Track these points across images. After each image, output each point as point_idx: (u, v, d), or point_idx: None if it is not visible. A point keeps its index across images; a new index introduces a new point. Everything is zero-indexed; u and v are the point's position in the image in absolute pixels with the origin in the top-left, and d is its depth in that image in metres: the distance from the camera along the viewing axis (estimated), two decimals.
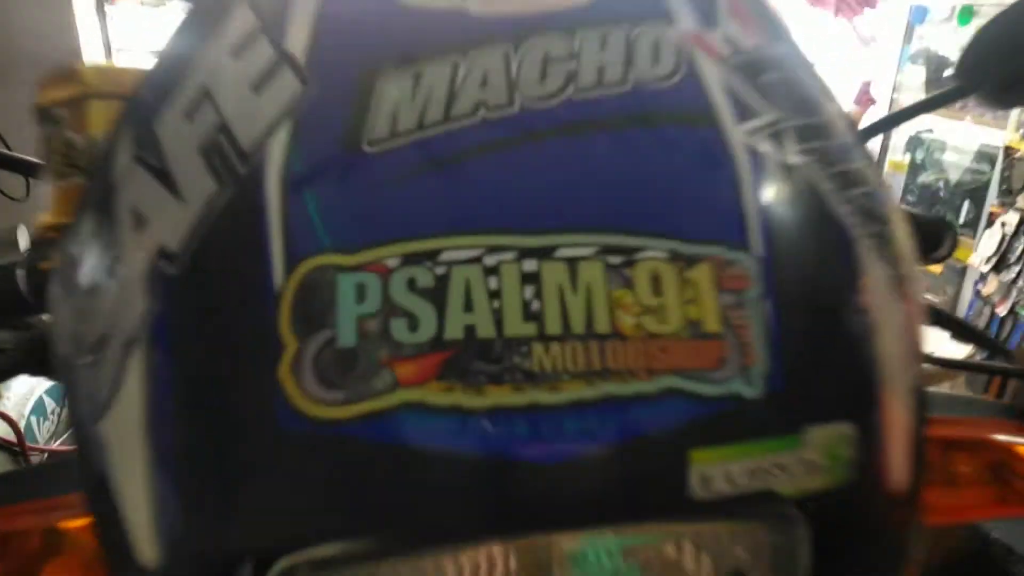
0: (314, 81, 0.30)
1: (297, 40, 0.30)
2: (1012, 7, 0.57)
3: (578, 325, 0.27)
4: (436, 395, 0.26)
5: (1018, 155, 2.71)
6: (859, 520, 0.32)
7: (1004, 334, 2.74)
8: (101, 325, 0.30)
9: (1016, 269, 2.69)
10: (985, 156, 2.98)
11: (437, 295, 0.27)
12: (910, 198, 3.18)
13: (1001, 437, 0.65)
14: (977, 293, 2.75)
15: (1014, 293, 2.68)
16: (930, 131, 3.07)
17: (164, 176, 0.30)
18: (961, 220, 2.89)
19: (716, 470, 0.28)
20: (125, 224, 0.31)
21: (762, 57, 0.33)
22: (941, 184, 3.05)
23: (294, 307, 0.27)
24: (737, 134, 0.31)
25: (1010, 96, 0.58)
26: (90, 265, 0.32)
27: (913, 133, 3.13)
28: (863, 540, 0.32)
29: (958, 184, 2.93)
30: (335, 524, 0.27)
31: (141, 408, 0.29)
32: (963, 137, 2.96)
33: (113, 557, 0.31)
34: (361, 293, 0.27)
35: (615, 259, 0.28)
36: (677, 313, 0.28)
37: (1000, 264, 2.81)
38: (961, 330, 0.77)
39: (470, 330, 0.26)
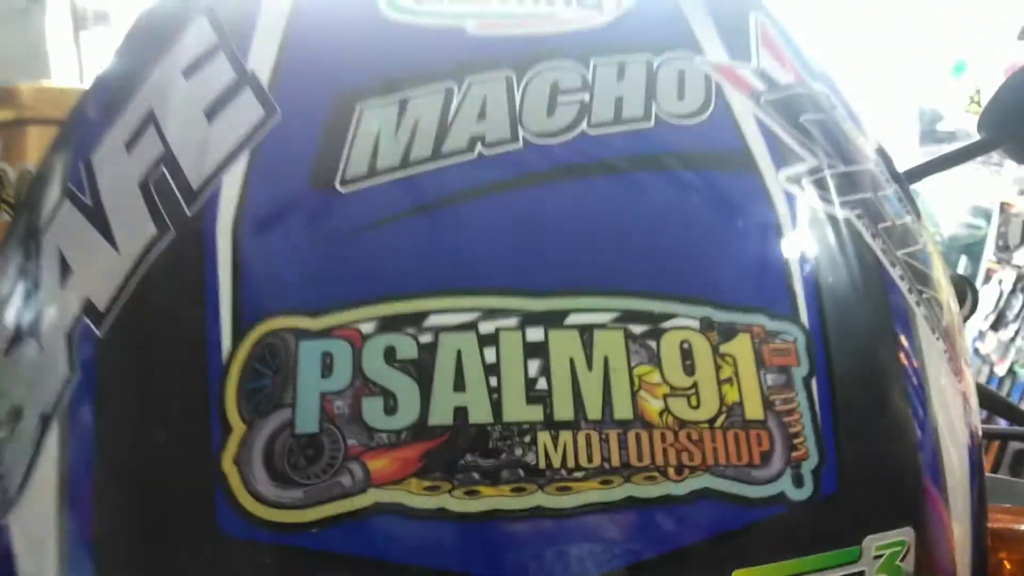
0: (279, 107, 0.26)
1: (262, 59, 0.27)
2: None
3: (594, 410, 0.24)
4: (417, 496, 0.23)
5: (1014, 211, 2.72)
6: None
7: (1003, 394, 2.69)
8: (16, 393, 0.27)
9: (1015, 327, 2.69)
10: (981, 211, 2.98)
11: (421, 370, 0.23)
12: None
13: None
14: (975, 351, 2.72)
15: (1012, 352, 2.65)
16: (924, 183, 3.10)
17: (96, 216, 0.27)
18: None
19: None
20: (49, 273, 0.27)
21: (800, 95, 0.31)
22: (937, 238, 3.07)
23: (243, 381, 0.23)
24: (778, 181, 0.28)
25: None
26: (7, 320, 0.28)
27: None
28: None
29: (953, 238, 2.94)
30: None
31: (56, 496, 0.25)
32: (958, 191, 2.97)
33: None
34: (327, 365, 0.23)
35: (638, 328, 0.24)
36: (712, 396, 0.24)
37: (998, 322, 2.79)
38: (1003, 407, 0.73)
39: (461, 414, 0.23)
